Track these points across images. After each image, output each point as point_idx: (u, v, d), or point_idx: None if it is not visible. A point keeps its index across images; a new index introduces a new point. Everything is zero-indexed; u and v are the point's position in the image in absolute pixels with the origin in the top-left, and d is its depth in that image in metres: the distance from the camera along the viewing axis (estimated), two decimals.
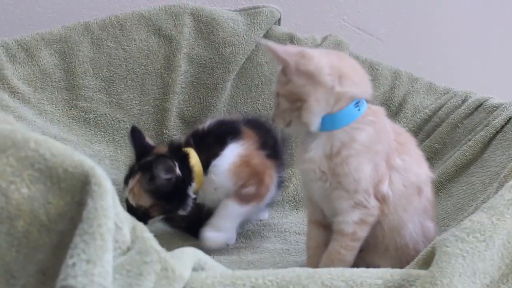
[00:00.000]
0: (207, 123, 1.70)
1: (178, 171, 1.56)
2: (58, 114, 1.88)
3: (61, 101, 1.89)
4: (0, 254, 0.97)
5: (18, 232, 0.97)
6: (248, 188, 1.62)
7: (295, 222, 1.86)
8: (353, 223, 1.37)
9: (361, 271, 1.09)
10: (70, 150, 1.02)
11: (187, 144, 1.64)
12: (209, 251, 1.61)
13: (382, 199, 1.37)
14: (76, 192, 0.99)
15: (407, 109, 2.00)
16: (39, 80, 1.87)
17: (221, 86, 1.98)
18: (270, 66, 2.00)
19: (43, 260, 0.98)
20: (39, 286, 0.98)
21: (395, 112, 2.01)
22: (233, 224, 1.65)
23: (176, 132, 1.95)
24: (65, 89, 1.90)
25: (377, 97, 2.01)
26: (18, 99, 1.82)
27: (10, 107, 1.77)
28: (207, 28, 2.00)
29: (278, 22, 2.08)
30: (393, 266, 1.39)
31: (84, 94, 1.92)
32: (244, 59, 2.01)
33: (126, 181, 1.59)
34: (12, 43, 1.85)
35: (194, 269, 1.07)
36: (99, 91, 1.93)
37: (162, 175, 1.54)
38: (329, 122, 1.34)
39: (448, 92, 2.00)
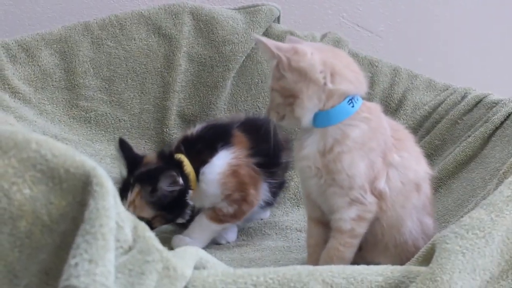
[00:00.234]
0: (197, 127, 1.68)
1: (181, 181, 1.55)
2: (59, 114, 1.89)
3: (61, 100, 1.89)
4: (3, 254, 0.98)
5: (20, 232, 0.98)
6: (227, 206, 1.63)
7: (296, 219, 1.87)
8: (351, 220, 1.37)
9: (362, 268, 1.10)
10: (72, 151, 1.03)
11: (178, 150, 1.62)
12: (210, 249, 1.63)
13: (379, 196, 1.37)
14: (78, 192, 0.99)
15: (406, 106, 2.01)
16: (39, 80, 1.88)
17: (221, 84, 1.99)
18: (269, 64, 2.00)
19: (46, 260, 0.99)
20: (42, 286, 0.99)
21: (395, 108, 2.01)
22: (205, 237, 1.66)
23: (176, 130, 1.96)
24: (65, 89, 1.91)
25: (377, 94, 2.02)
26: (19, 99, 1.82)
27: (11, 107, 1.78)
28: (206, 27, 2.00)
29: (278, 20, 2.09)
30: (393, 263, 1.39)
31: (85, 94, 1.93)
32: (244, 57, 2.01)
33: (123, 194, 1.56)
34: (12, 43, 1.85)
35: (196, 268, 1.07)
36: (100, 90, 1.94)
37: (166, 187, 1.54)
38: (322, 119, 1.35)
39: (447, 89, 2.00)
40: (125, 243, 1.00)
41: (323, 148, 1.35)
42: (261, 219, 1.86)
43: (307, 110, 1.34)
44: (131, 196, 1.56)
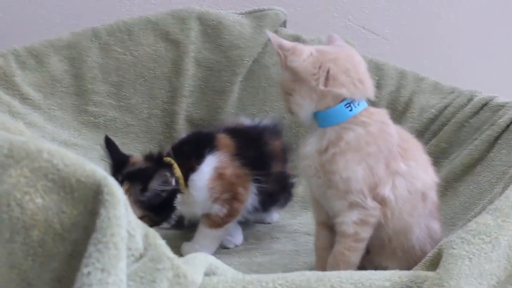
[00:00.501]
0: (185, 135, 1.70)
1: (173, 182, 1.55)
2: (68, 119, 1.91)
3: (70, 106, 1.91)
4: (17, 262, 0.99)
5: (33, 241, 0.99)
6: (219, 208, 1.63)
7: (304, 223, 1.88)
8: (353, 224, 1.38)
9: (369, 273, 1.11)
10: (82, 160, 1.04)
11: (166, 154, 1.62)
12: (219, 254, 1.65)
13: (382, 202, 1.38)
14: (89, 201, 1.00)
15: (413, 109, 2.01)
16: (49, 86, 1.89)
17: (228, 89, 2.00)
18: (276, 68, 2.02)
19: (58, 269, 1.00)
20: None
21: (401, 112, 2.02)
22: (212, 244, 1.67)
23: (185, 135, 1.96)
24: (74, 95, 1.92)
25: (383, 97, 2.02)
26: (29, 105, 1.84)
27: (21, 113, 1.79)
28: (213, 32, 2.02)
29: (284, 24, 2.10)
30: (400, 268, 1.41)
31: (94, 99, 1.94)
32: (251, 61, 2.02)
33: None
34: (22, 50, 1.86)
35: (206, 274, 1.09)
36: (108, 95, 1.95)
37: (157, 186, 1.53)
38: (322, 119, 1.38)
39: (453, 91, 2.01)
40: (136, 251, 1.02)
41: (320, 148, 1.38)
42: (269, 223, 1.87)
43: (301, 107, 1.38)
44: None
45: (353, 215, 1.37)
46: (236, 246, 1.73)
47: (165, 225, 1.64)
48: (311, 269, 1.58)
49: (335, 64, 1.37)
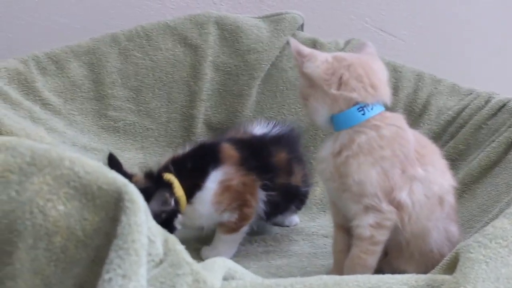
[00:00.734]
0: (186, 148, 1.67)
1: (173, 203, 1.54)
2: (88, 124, 1.93)
3: (90, 111, 1.93)
4: (40, 268, 1.02)
5: (56, 247, 1.01)
6: (229, 215, 1.63)
7: (322, 225, 1.89)
8: (369, 227, 1.39)
9: (387, 277, 1.12)
10: (103, 168, 1.06)
11: (166, 169, 1.60)
12: (238, 257, 1.66)
13: (398, 206, 1.39)
14: (110, 208, 1.02)
15: (431, 111, 2.02)
16: (69, 91, 1.91)
17: (246, 92, 2.01)
18: (294, 71, 2.03)
19: (80, 274, 1.02)
20: None
21: (419, 114, 2.02)
22: (230, 248, 1.69)
23: (203, 138, 1.98)
24: (94, 99, 1.94)
25: (401, 99, 2.03)
26: (49, 111, 1.86)
27: (42, 119, 1.81)
28: (231, 36, 2.03)
29: (301, 27, 2.10)
30: (418, 271, 1.42)
31: (113, 104, 1.96)
32: (269, 65, 2.03)
33: None
34: (42, 56, 1.88)
35: (225, 279, 1.10)
36: (128, 100, 1.97)
37: (157, 207, 1.51)
38: (336, 123, 1.41)
39: (471, 93, 2.01)
40: (156, 257, 1.03)
41: (334, 151, 1.40)
42: (288, 226, 1.88)
43: (316, 112, 1.42)
44: None
45: (369, 219, 1.39)
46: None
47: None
48: (328, 271, 1.60)
49: (348, 70, 1.39)
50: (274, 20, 2.06)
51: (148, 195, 1.45)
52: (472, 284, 1.06)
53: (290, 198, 1.77)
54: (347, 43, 2.09)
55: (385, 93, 1.43)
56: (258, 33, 2.03)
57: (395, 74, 2.05)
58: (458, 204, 1.52)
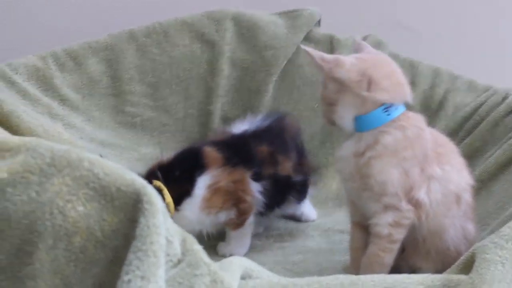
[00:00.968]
0: (172, 153, 1.67)
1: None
2: (106, 120, 1.94)
3: (108, 107, 1.94)
4: (60, 268, 1.03)
5: (75, 247, 1.03)
6: (227, 214, 1.64)
7: (338, 221, 1.88)
8: (388, 225, 1.40)
9: (402, 277, 1.13)
10: (122, 169, 1.07)
11: (153, 176, 1.59)
12: (255, 252, 1.68)
13: (416, 205, 1.40)
14: (129, 210, 1.03)
15: (447, 108, 2.01)
16: (87, 87, 1.92)
17: (263, 88, 2.02)
18: (311, 67, 2.03)
19: (99, 274, 1.03)
20: None
21: (435, 110, 2.01)
22: (243, 241, 1.70)
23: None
24: (112, 95, 1.95)
25: (418, 95, 2.02)
26: (68, 106, 1.87)
27: (60, 115, 1.82)
28: (248, 32, 2.03)
29: (318, 23, 2.11)
30: (435, 268, 1.45)
31: (131, 100, 1.97)
32: (286, 61, 2.03)
33: None
34: (60, 52, 1.89)
35: (242, 278, 1.11)
36: (145, 96, 1.98)
37: None
38: (359, 124, 1.40)
39: (488, 90, 2.00)
40: (174, 257, 1.05)
41: (357, 152, 1.40)
42: (305, 221, 1.89)
43: (345, 117, 1.41)
44: None
45: (388, 217, 1.39)
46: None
47: None
48: (345, 268, 1.61)
49: (375, 70, 1.39)
50: (292, 16, 2.06)
51: None
52: (488, 285, 1.07)
53: (283, 188, 1.74)
54: (364, 39, 2.08)
55: (408, 92, 1.43)
56: (275, 30, 2.03)
57: (412, 70, 2.05)
58: (474, 202, 1.52)
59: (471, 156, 1.88)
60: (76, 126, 1.84)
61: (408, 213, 1.40)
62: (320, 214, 1.95)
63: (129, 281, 0.96)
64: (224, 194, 1.62)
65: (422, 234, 1.43)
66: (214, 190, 1.60)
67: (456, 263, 1.25)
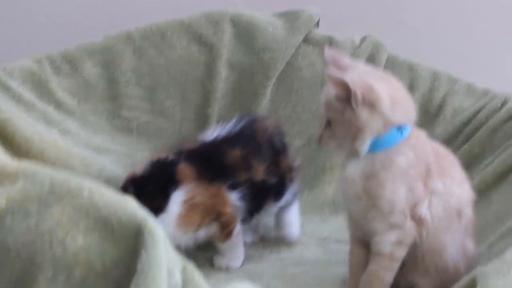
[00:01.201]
0: (143, 166, 1.60)
1: None
2: (102, 124, 1.91)
3: (104, 111, 1.91)
4: None
5: (75, 280, 1.01)
6: (207, 230, 1.61)
7: (335, 228, 1.87)
8: (390, 243, 1.40)
9: None
10: (123, 200, 1.05)
11: (125, 189, 1.53)
12: (254, 263, 1.70)
13: (418, 221, 1.40)
14: (130, 241, 1.02)
15: (446, 112, 1.99)
16: (83, 91, 1.89)
17: (261, 92, 1.99)
18: (309, 70, 2.01)
19: None
20: None
21: (434, 114, 1.99)
22: (235, 252, 1.68)
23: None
24: (108, 99, 1.92)
25: (416, 99, 1.98)
26: (63, 111, 1.84)
27: (55, 120, 1.79)
28: (246, 34, 2.00)
29: (317, 24, 2.08)
30: (433, 285, 1.45)
31: (127, 103, 1.94)
32: (284, 64, 2.01)
33: None
34: (56, 55, 1.87)
35: None
36: (142, 99, 1.95)
37: None
38: (374, 145, 1.38)
39: (487, 94, 1.98)
40: (175, 287, 1.04)
41: (369, 173, 1.38)
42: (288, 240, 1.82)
43: (367, 142, 1.37)
44: None
45: (392, 236, 1.39)
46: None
47: None
48: (343, 280, 1.60)
49: (396, 92, 1.38)
50: (290, 17, 2.03)
51: None
52: None
53: (259, 193, 1.69)
54: (363, 40, 2.06)
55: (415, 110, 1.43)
56: (274, 31, 2.00)
57: (411, 73, 2.03)
58: (475, 217, 1.51)
59: (469, 163, 1.87)
60: (72, 132, 1.81)
61: (410, 231, 1.39)
62: (315, 221, 1.94)
63: None
64: (202, 210, 1.58)
65: (421, 251, 1.42)
66: (190, 206, 1.56)
67: (457, 286, 1.25)
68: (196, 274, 1.08)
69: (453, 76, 2.05)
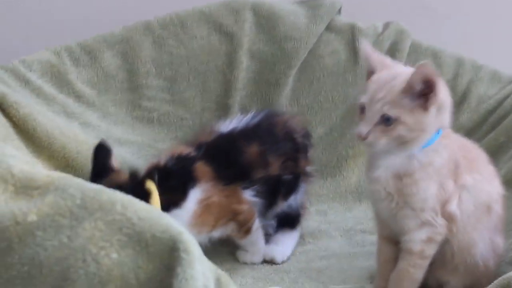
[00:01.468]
0: (165, 157, 1.57)
1: None
2: (122, 115, 1.89)
3: (124, 102, 1.88)
4: None
5: None
6: (224, 230, 1.58)
7: (359, 218, 1.86)
8: (421, 242, 1.38)
9: None
10: (156, 212, 1.03)
11: (149, 176, 1.49)
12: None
13: (449, 218, 1.38)
14: (165, 256, 1.00)
15: (471, 99, 1.96)
16: (102, 83, 1.87)
17: (283, 81, 1.96)
18: (332, 58, 1.97)
19: None
20: None
21: (458, 102, 1.95)
22: (256, 247, 1.66)
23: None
24: (128, 90, 1.90)
25: None
26: (83, 103, 1.82)
27: (75, 113, 1.78)
28: (268, 23, 1.96)
29: (339, 11, 2.04)
30: (462, 283, 1.44)
31: (147, 94, 1.91)
32: (306, 53, 1.97)
33: None
34: (75, 46, 1.84)
35: None
36: (162, 90, 1.93)
37: None
38: None
39: None
40: None
41: (404, 172, 1.36)
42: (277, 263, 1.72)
43: (424, 142, 1.34)
44: None
45: (422, 234, 1.38)
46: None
47: None
48: (369, 273, 1.59)
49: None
50: (312, 5, 1.99)
51: None
52: None
53: (272, 189, 1.66)
54: (386, 26, 2.02)
55: None
56: (295, 20, 1.96)
57: (435, 60, 1.99)
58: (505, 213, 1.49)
59: (495, 152, 1.84)
60: (92, 124, 1.80)
61: (441, 228, 1.38)
62: (339, 209, 1.93)
63: None
64: (218, 211, 1.55)
65: (451, 249, 1.41)
66: (205, 206, 1.53)
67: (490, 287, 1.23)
68: (230, 285, 1.07)
69: (477, 62, 2.01)
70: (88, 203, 1.03)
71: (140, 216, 1.02)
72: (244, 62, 1.96)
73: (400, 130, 1.31)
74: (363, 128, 1.33)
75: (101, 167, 1.52)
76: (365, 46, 1.38)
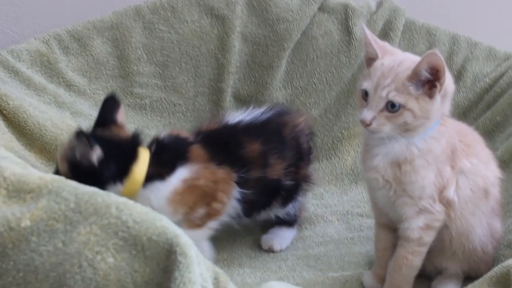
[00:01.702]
0: (166, 133, 1.55)
1: (94, 159, 1.40)
2: None
3: (116, 89, 1.84)
4: None
5: None
6: (196, 212, 1.51)
7: (355, 201, 1.86)
8: (419, 229, 1.38)
9: None
10: (151, 215, 1.02)
11: (148, 145, 1.50)
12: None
13: (447, 204, 1.37)
14: (161, 260, 0.99)
15: (466, 77, 1.95)
16: (93, 70, 1.83)
17: (276, 64, 1.93)
18: (325, 39, 1.94)
19: None
20: None
21: (453, 81, 1.94)
22: (200, 244, 1.52)
23: (232, 112, 1.90)
24: (119, 77, 1.87)
25: None
26: (74, 92, 1.79)
27: (66, 103, 1.75)
28: (259, 5, 1.92)
29: None
30: (461, 268, 1.44)
31: (139, 81, 1.88)
32: (299, 35, 1.94)
33: None
34: (64, 34, 1.80)
35: None
36: (154, 76, 1.90)
37: (79, 152, 1.39)
38: None
39: (509, 58, 1.93)
40: None
41: (403, 160, 1.34)
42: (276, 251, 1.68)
43: (428, 126, 1.33)
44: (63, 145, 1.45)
45: (420, 221, 1.37)
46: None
47: None
48: (367, 259, 1.58)
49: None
50: None
51: (85, 138, 1.38)
52: None
53: (268, 193, 1.60)
54: (379, 5, 1.99)
55: None
56: (288, 1, 1.92)
57: (429, 37, 1.98)
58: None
59: (491, 132, 1.84)
60: (84, 113, 1.77)
61: (439, 215, 1.37)
62: (336, 191, 1.93)
63: None
64: (199, 193, 1.50)
65: (449, 235, 1.40)
66: (189, 186, 1.48)
67: (488, 275, 1.23)
68: (228, 284, 1.06)
69: (472, 39, 1.99)
70: (83, 206, 1.02)
71: (135, 219, 1.01)
72: (237, 45, 1.93)
73: (405, 117, 1.29)
74: (367, 114, 1.30)
75: (105, 117, 1.51)
76: (365, 32, 1.35)
